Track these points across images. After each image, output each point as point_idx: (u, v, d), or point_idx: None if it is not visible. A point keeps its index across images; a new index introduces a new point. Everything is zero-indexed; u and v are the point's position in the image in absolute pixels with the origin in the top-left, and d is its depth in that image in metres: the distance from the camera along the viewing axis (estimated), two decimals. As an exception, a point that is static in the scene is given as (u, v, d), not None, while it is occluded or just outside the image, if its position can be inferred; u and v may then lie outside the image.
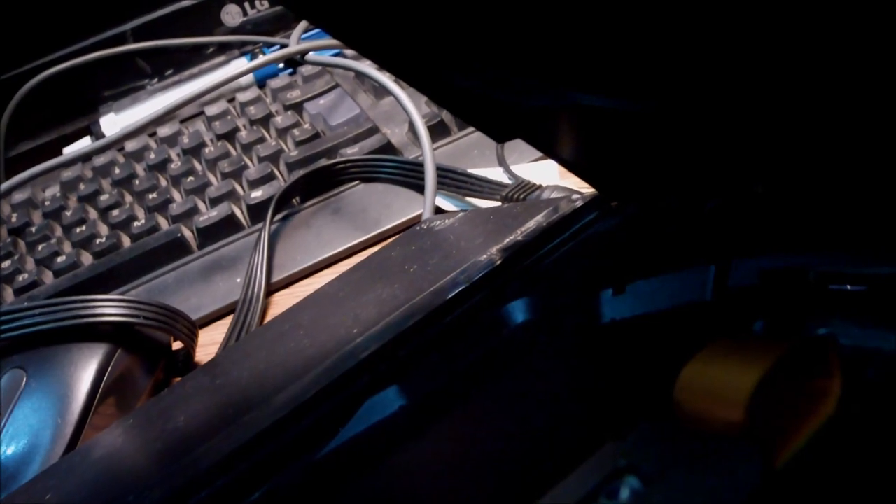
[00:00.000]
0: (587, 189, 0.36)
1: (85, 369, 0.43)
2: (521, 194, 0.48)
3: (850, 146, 0.24)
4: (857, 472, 0.23)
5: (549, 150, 0.34)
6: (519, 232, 0.34)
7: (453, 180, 0.53)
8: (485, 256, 0.33)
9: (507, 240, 0.34)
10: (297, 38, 0.73)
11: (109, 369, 0.43)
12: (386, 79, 0.60)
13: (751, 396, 0.24)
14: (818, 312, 0.27)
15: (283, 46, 0.74)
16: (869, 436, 0.24)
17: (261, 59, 0.69)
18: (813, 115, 0.23)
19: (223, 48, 0.80)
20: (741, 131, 0.26)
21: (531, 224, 0.35)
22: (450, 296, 0.32)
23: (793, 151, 0.26)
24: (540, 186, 0.48)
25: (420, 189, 0.52)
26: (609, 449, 0.24)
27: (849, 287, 0.26)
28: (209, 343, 0.50)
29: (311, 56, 0.69)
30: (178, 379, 0.48)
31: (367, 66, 0.63)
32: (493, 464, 0.29)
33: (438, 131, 0.60)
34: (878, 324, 0.25)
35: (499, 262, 0.33)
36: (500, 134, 0.32)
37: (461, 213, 0.42)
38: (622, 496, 0.23)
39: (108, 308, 0.44)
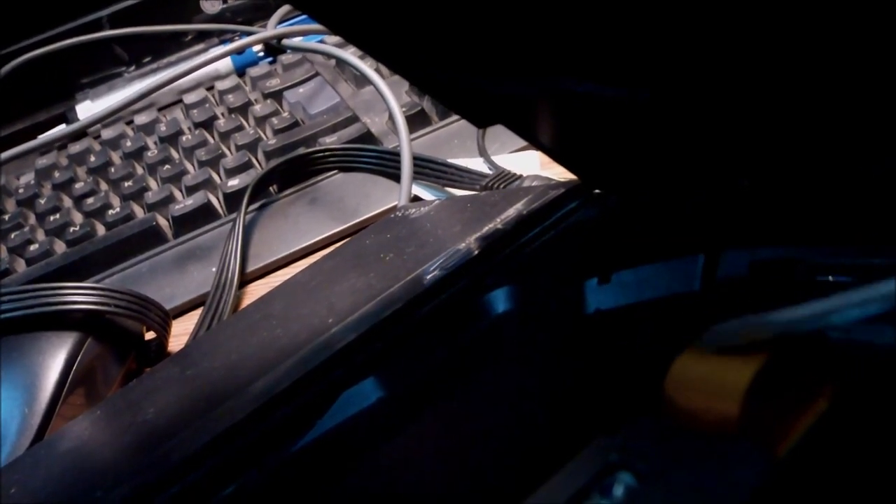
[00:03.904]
0: (568, 179, 0.36)
1: (53, 358, 0.42)
2: (501, 184, 0.47)
3: (835, 140, 0.24)
4: (854, 469, 0.23)
5: (530, 136, 0.34)
6: (498, 220, 0.34)
7: (432, 170, 0.53)
8: (463, 245, 0.33)
9: (486, 228, 0.33)
10: (275, 24, 0.72)
11: (79, 358, 0.42)
12: (365, 66, 0.59)
13: (746, 390, 0.23)
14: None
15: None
16: (864, 430, 0.23)
17: (236, 43, 0.69)
18: (798, 108, 0.23)
19: (202, 36, 0.79)
20: (728, 124, 0.26)
21: (511, 212, 0.34)
22: (428, 285, 0.31)
23: (779, 145, 0.26)
24: (520, 176, 0.48)
25: (399, 179, 0.51)
26: (599, 444, 0.24)
27: (838, 279, 0.26)
28: (183, 333, 0.49)
29: (287, 41, 0.69)
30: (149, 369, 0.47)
31: (346, 53, 0.62)
32: (476, 458, 0.29)
33: (419, 121, 0.59)
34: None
35: (478, 251, 0.32)
36: (482, 119, 0.32)
37: (437, 202, 0.41)
38: (616, 493, 0.22)
39: (78, 296, 0.43)
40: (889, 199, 0.25)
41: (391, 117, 0.56)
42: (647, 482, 0.22)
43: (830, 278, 0.26)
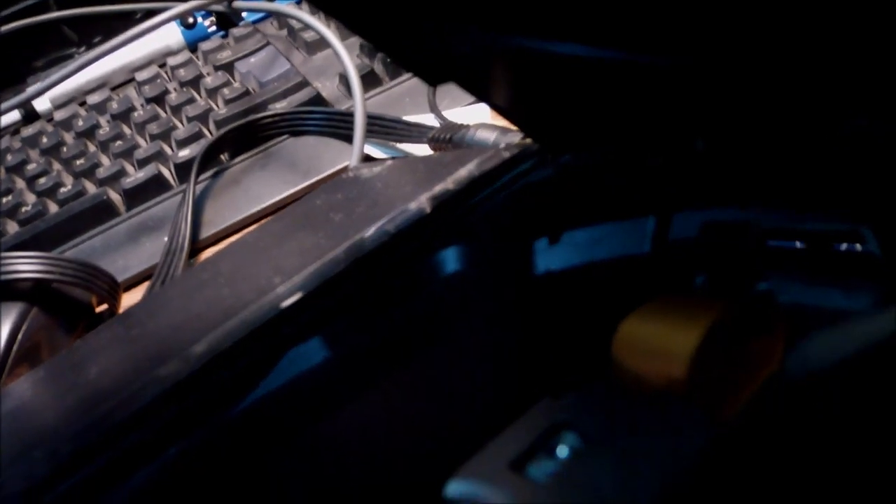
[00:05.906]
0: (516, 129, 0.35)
1: (-3, 328, 0.41)
2: (448, 134, 0.47)
3: (790, 104, 0.24)
4: (799, 433, 0.23)
5: (484, 95, 0.33)
6: (450, 180, 0.33)
7: (381, 127, 0.53)
8: (414, 205, 0.32)
9: (437, 188, 0.33)
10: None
11: (24, 329, 0.42)
12: (320, 25, 0.59)
13: (694, 352, 0.23)
14: (759, 268, 0.26)
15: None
16: (810, 395, 0.23)
17: (187, 4, 0.66)
18: (756, 70, 0.22)
19: (152, 15, 0.78)
20: (686, 85, 0.25)
21: (463, 172, 0.33)
22: (376, 244, 0.30)
23: (735, 107, 0.25)
24: (467, 126, 0.47)
25: (350, 139, 0.51)
26: (546, 405, 0.23)
27: (792, 244, 0.26)
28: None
29: (240, 4, 0.68)
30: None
31: (299, 12, 0.62)
32: (422, 419, 0.29)
33: (369, 81, 0.60)
34: (819, 281, 0.25)
35: (429, 211, 0.32)
36: (434, 77, 0.31)
37: (390, 161, 0.41)
38: (560, 453, 0.22)
39: (23, 265, 0.42)
40: (846, 162, 0.25)
41: (343, 80, 0.55)
42: (592, 443, 0.22)
43: (791, 244, 0.26)
